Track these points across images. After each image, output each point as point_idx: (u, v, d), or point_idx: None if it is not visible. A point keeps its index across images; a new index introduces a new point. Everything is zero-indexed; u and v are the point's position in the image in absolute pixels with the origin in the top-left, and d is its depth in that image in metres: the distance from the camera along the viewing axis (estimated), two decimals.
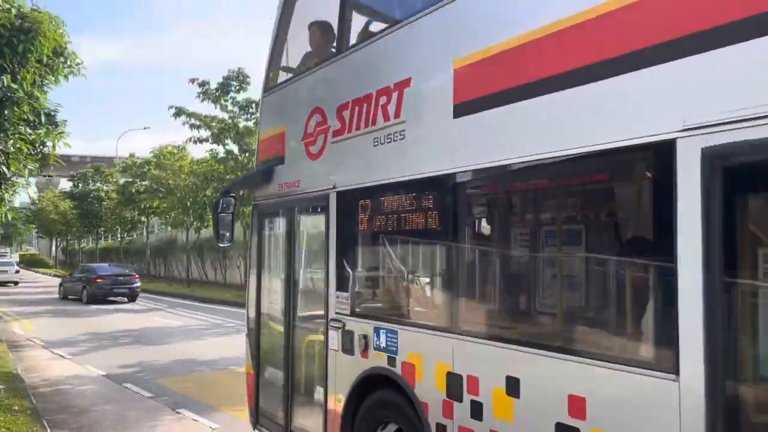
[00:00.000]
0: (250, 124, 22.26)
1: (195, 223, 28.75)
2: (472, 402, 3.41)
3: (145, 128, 65.03)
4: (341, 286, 4.53)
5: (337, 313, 4.54)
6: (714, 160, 2.34)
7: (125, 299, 23.65)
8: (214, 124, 21.88)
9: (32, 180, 8.46)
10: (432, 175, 3.72)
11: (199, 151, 54.31)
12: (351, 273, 4.47)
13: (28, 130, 7.59)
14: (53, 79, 8.08)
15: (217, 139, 22.22)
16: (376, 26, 4.62)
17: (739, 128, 2.27)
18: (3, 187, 7.56)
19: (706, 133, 2.38)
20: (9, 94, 7.28)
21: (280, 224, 5.56)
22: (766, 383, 2.41)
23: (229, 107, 21.98)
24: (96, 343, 13.44)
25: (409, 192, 3.92)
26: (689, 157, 2.41)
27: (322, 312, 4.71)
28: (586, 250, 3.08)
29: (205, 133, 22.22)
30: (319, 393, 4.78)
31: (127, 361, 11.25)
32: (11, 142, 7.27)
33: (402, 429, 4.00)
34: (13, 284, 33.85)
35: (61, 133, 8.22)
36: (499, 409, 3.24)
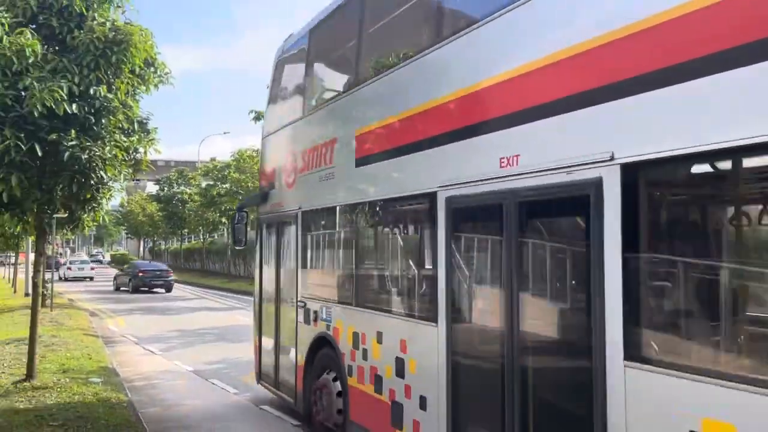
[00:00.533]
0: None
1: None
2: (363, 349, 5.51)
3: (225, 133, 67.43)
4: (304, 278, 6.76)
5: (301, 296, 6.76)
6: (449, 204, 4.41)
7: (162, 290, 28.36)
8: None
9: (125, 184, 8.96)
10: (346, 203, 5.98)
11: None
12: (309, 268, 6.73)
13: (123, 138, 7.98)
14: (144, 88, 8.47)
15: None
16: (328, 94, 6.81)
17: (461, 187, 4.28)
18: (101, 191, 8.01)
19: (444, 189, 4.45)
20: (105, 104, 7.70)
21: (273, 232, 7.71)
22: (486, 328, 4.20)
23: None
24: (183, 339, 14.04)
25: (336, 214, 6.17)
26: (440, 201, 4.50)
27: (300, 298, 6.83)
28: (402, 253, 5.38)
29: None
30: (292, 353, 6.91)
31: (212, 357, 11.70)
32: (107, 148, 7.67)
33: (335, 373, 6.04)
34: (89, 279, 38.10)
35: (153, 139, 8.61)
36: (374, 352, 5.37)
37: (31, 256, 25.01)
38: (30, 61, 7.08)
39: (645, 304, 3.13)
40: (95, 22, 7.64)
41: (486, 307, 4.29)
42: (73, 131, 7.34)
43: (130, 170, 8.60)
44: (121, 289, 29.51)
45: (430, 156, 4.66)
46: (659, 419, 2.90)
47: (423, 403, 4.65)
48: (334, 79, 6.95)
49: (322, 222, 6.51)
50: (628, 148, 3.09)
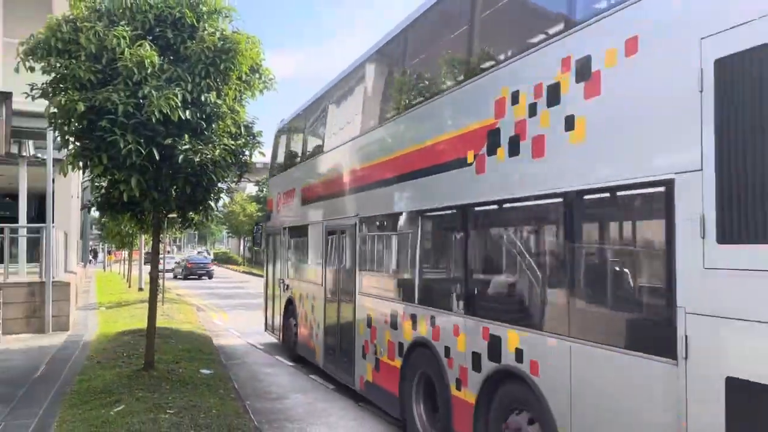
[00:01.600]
0: None
1: None
2: (306, 305, 10.23)
3: None
4: (284, 266, 11.59)
5: (282, 277, 11.73)
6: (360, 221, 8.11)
7: (206, 276, 38.00)
8: None
9: (232, 186, 9.45)
10: (300, 224, 10.53)
11: None
12: (287, 261, 11.43)
13: (231, 142, 8.38)
14: (250, 93, 8.84)
15: None
16: (291, 161, 11.66)
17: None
18: (211, 192, 8.44)
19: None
20: (215, 110, 8.11)
21: (270, 239, 12.79)
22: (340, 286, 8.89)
23: None
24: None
25: (299, 229, 10.65)
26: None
27: (280, 277, 11.94)
28: (330, 250, 9.17)
29: None
30: (278, 311, 11.85)
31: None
32: (217, 152, 8.06)
33: (294, 318, 10.76)
34: (207, 277, 39.43)
35: (258, 143, 8.99)
36: (305, 304, 10.31)
37: (138, 254, 26.82)
38: (148, 71, 7.54)
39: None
40: (206, 32, 8.04)
41: (345, 276, 8.65)
42: (186, 136, 7.77)
43: (238, 172, 9.00)
44: (178, 277, 39.14)
45: (328, 202, 9.37)
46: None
47: (313, 331, 9.96)
48: (295, 151, 11.68)
49: (291, 233, 11.34)
50: (365, 211, 7.90)
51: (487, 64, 5.43)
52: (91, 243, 44.61)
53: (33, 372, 8.86)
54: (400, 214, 6.84)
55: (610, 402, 3.84)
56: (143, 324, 12.35)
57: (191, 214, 8.75)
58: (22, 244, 14.32)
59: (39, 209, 21.54)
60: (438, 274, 6.20)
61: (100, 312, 16.69)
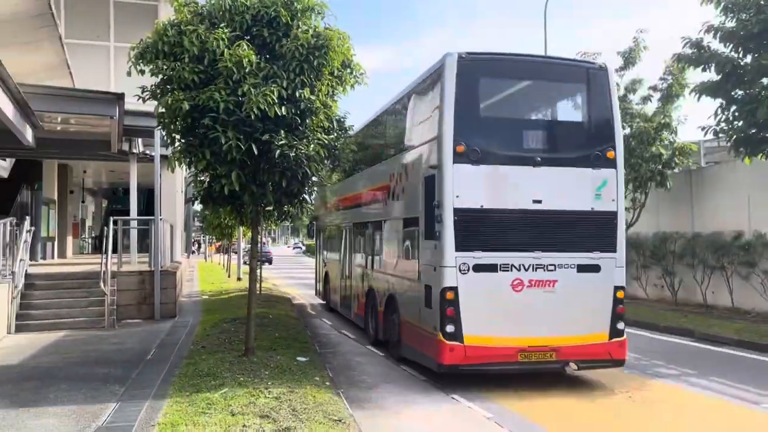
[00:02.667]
0: None
1: None
2: (337, 274, 15.83)
3: None
4: (320, 253, 18.61)
5: (322, 258, 18.18)
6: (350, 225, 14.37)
7: (267, 263, 39.57)
8: None
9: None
10: (330, 224, 16.76)
11: None
12: (324, 247, 17.91)
13: (324, 136, 8.60)
14: (342, 89, 9.02)
15: None
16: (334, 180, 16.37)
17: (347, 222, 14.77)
18: (306, 186, 8.70)
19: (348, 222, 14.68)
20: (309, 105, 8.34)
21: (318, 233, 18.71)
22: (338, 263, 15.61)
23: None
24: None
25: (330, 227, 16.72)
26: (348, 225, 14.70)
27: (315, 260, 20.03)
28: (338, 242, 15.70)
29: None
30: (321, 281, 18.38)
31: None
32: (311, 147, 8.30)
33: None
34: (267, 263, 43.07)
35: (350, 137, 9.14)
36: (333, 275, 16.52)
37: (236, 245, 28.10)
38: (246, 70, 7.86)
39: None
40: (300, 30, 8.27)
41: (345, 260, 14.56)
42: (282, 131, 8.05)
43: (330, 166, 9.22)
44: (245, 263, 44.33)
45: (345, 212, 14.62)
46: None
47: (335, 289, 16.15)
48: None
49: (325, 229, 17.28)
50: (353, 219, 14.04)
51: (386, 158, 11.32)
52: (193, 235, 47.10)
53: (145, 354, 9.49)
54: (362, 221, 13.01)
55: (414, 299, 9.32)
56: (242, 312, 12.92)
57: (287, 207, 9.03)
58: (133, 235, 15.34)
59: (147, 203, 22.95)
60: (374, 253, 12.08)
61: (203, 300, 17.60)
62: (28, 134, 11.27)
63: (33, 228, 14.11)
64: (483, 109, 8.97)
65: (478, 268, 8.35)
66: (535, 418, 7.26)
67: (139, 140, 15.07)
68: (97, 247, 27.22)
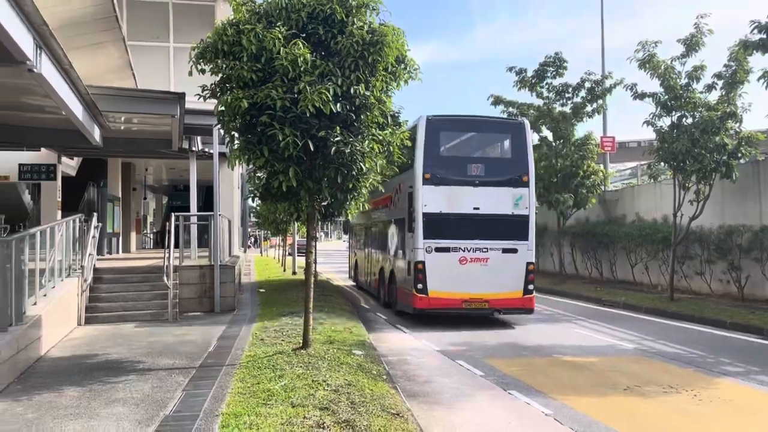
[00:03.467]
0: (566, 109, 21.85)
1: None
2: (365, 260, 20.55)
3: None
4: (351, 247, 24.31)
5: (353, 250, 23.69)
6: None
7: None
8: (531, 112, 22.08)
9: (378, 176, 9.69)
10: (357, 223, 22.27)
11: None
12: (354, 240, 23.37)
13: (378, 132, 8.64)
14: (396, 84, 9.02)
15: (533, 125, 22.37)
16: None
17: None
18: (361, 181, 8.76)
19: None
20: (363, 101, 8.38)
21: (352, 231, 24.13)
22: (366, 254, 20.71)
23: (545, 93, 21.95)
24: (428, 320, 14.72)
25: (366, 226, 20.35)
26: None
27: (347, 250, 26.46)
28: (374, 236, 19.35)
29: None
30: (352, 267, 23.51)
31: (457, 338, 12.13)
32: (366, 143, 8.35)
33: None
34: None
35: (403, 132, 9.14)
36: (362, 262, 21.22)
37: (292, 240, 28.57)
38: (302, 68, 7.95)
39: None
40: (354, 27, 8.32)
41: (366, 249, 20.09)
42: (338, 128, 8.12)
43: (384, 161, 9.24)
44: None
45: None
46: None
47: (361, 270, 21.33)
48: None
49: (360, 229, 21.46)
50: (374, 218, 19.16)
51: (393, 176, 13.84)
52: (249, 230, 48.08)
53: (207, 347, 9.77)
54: (379, 220, 17.79)
55: (402, 270, 15.00)
56: (298, 306, 13.12)
57: (347, 203, 9.10)
58: (193, 231, 15.78)
59: (206, 199, 23.57)
60: (385, 242, 16.73)
61: (260, 294, 17.97)
62: (96, 134, 11.74)
63: (100, 224, 14.69)
64: (442, 150, 14.52)
65: (438, 249, 13.81)
66: (598, 415, 7.13)
67: (199, 138, 15.46)
68: (159, 243, 28.16)
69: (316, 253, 14.16)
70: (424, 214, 13.79)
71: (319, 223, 10.09)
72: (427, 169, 13.88)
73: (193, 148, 15.48)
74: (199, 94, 8.59)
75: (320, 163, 8.40)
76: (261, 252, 50.78)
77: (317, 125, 8.08)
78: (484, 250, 13.81)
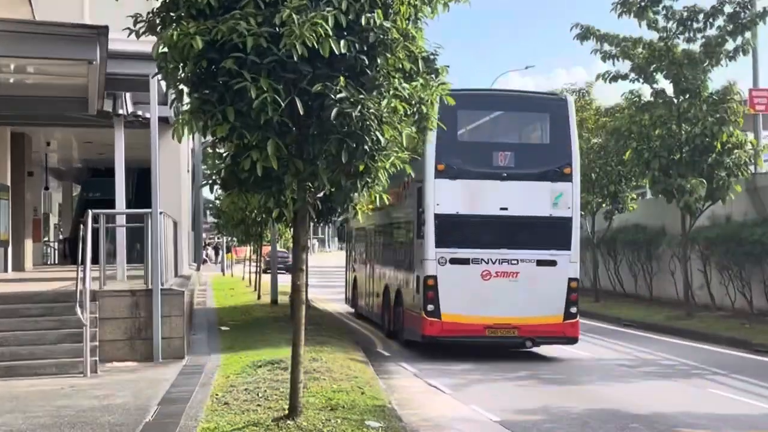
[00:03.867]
0: (694, 46, 21.67)
1: (604, 204, 29.22)
2: (365, 277, 23.43)
3: (527, 67, 68.85)
4: (348, 260, 26.91)
5: (347, 267, 27.24)
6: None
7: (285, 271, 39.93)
8: (638, 51, 21.94)
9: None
10: (361, 227, 23.92)
11: (611, 95, 55.24)
12: (352, 251, 26.55)
13: (404, 84, 8.62)
14: (429, 10, 9.01)
15: (641, 72, 22.21)
16: None
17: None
18: (377, 160, 8.73)
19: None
20: (381, 36, 8.33)
21: (350, 236, 27.30)
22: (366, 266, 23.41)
23: (660, 23, 21.80)
24: (479, 373, 14.74)
25: (368, 233, 23.42)
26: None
27: (344, 264, 28.31)
28: (383, 242, 22.11)
29: (622, 65, 22.54)
30: (350, 286, 26.11)
31: (525, 403, 12.16)
32: (385, 101, 8.33)
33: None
34: (285, 271, 44.97)
35: (443, 84, 9.14)
36: (363, 279, 23.81)
37: (270, 251, 28.60)
38: None
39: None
40: None
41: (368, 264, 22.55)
42: (341, 79, 8.11)
43: (414, 129, 9.22)
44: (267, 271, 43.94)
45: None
46: None
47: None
48: None
49: (360, 236, 24.70)
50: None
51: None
52: (205, 236, 48.42)
53: (142, 415, 9.83)
54: (383, 224, 20.84)
55: (409, 288, 17.32)
56: (282, 352, 13.17)
57: (356, 193, 9.11)
58: (121, 237, 15.88)
59: (140, 189, 23.77)
60: (392, 254, 20.06)
61: (223, 333, 18.07)
62: None
63: None
64: (461, 134, 16.61)
65: (454, 261, 15.71)
66: None
67: (128, 96, 15.58)
68: (68, 255, 28.35)
69: (307, 270, 14.20)
70: (436, 216, 15.63)
71: (312, 224, 10.11)
72: (440, 159, 15.49)
73: (120, 111, 15.57)
74: (129, 29, 8.65)
75: (314, 133, 8.42)
76: (224, 269, 51.10)
77: (310, 75, 8.09)
78: (513, 262, 15.76)
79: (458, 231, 15.55)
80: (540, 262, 15.70)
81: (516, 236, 15.72)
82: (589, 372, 15.14)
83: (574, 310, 15.78)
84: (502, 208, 15.66)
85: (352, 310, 25.02)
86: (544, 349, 17.37)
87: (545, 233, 15.80)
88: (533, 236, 15.77)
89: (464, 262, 15.39)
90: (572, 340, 16.19)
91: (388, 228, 20.12)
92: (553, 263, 15.70)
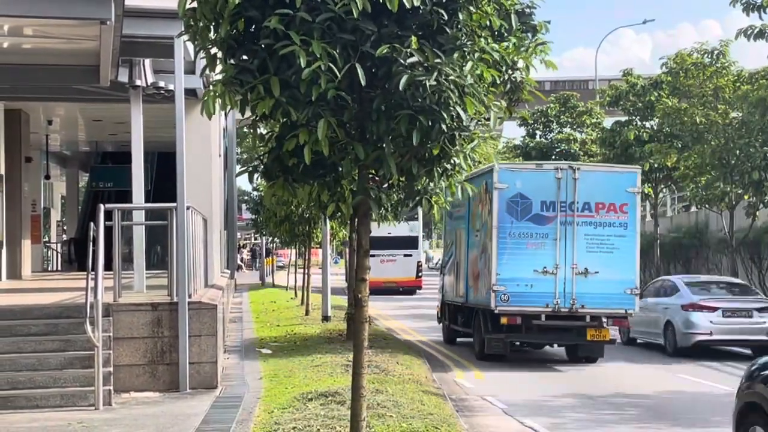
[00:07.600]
0: None
1: (745, 196, 28.64)
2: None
3: (645, 22, 67.48)
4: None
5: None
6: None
7: None
8: None
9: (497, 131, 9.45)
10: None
11: (755, 56, 54.28)
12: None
13: (492, 45, 8.53)
14: None
15: None
16: None
17: None
18: (457, 141, 8.63)
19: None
20: None
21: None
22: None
23: None
24: (585, 412, 14.58)
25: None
26: None
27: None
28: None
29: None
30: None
31: None
32: (468, 67, 8.25)
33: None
34: None
35: (543, 44, 9.03)
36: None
37: (322, 256, 28.71)
38: None
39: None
40: None
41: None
42: (412, 39, 8.05)
43: (504, 103, 9.14)
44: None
45: None
46: None
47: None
48: None
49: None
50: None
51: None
52: (239, 236, 48.81)
53: None
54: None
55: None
56: (340, 382, 13.17)
57: (432, 183, 9.07)
58: (139, 237, 16.01)
59: (161, 177, 24.01)
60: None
61: (264, 356, 18.16)
62: None
63: None
64: None
65: None
66: None
67: (147, 63, 15.71)
68: (74, 260, 28.76)
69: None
70: None
71: (379, 221, 10.05)
72: None
73: (138, 82, 15.72)
74: None
75: (379, 109, 8.37)
76: (263, 277, 51.52)
77: (374, 36, 8.06)
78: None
79: None
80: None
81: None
82: (722, 408, 14.86)
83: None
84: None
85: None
86: (659, 377, 17.10)
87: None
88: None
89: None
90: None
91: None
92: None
